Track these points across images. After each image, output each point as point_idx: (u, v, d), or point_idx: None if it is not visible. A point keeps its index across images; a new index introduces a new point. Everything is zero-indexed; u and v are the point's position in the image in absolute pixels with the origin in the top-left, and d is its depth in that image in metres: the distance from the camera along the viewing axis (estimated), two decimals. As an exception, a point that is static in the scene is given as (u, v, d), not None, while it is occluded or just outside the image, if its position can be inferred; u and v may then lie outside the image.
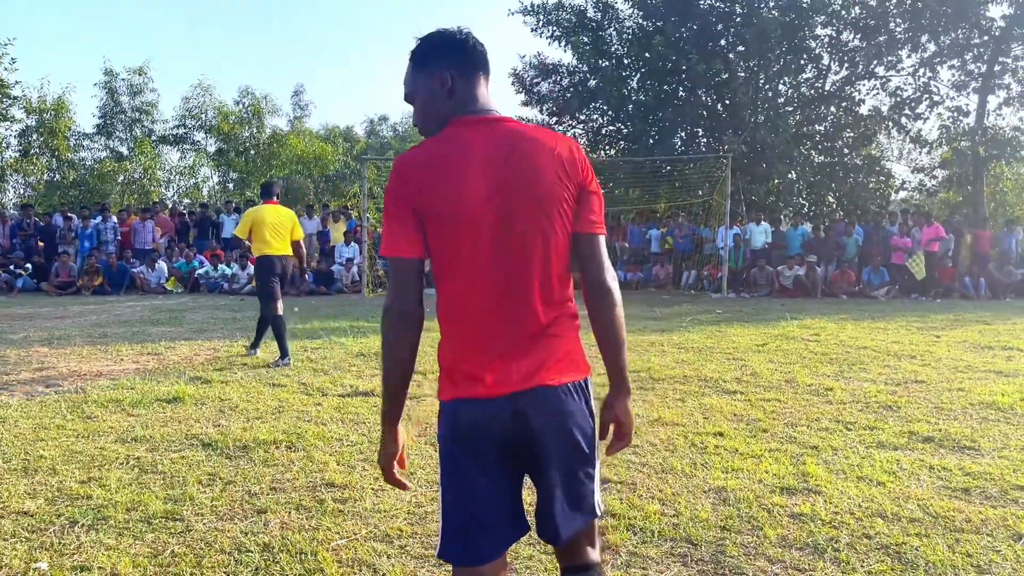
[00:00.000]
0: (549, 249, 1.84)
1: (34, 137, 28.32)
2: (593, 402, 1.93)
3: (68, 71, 67.01)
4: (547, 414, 1.82)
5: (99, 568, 3.06)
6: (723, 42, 23.93)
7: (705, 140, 24.25)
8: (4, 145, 26.99)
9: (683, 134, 24.53)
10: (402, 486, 2.04)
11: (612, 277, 1.91)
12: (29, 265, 18.50)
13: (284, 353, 7.75)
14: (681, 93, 24.36)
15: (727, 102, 23.63)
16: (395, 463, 2.00)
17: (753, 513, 3.65)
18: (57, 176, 29.35)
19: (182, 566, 3.10)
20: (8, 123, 25.96)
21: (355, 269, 18.64)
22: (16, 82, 25.34)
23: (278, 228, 7.95)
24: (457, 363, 1.87)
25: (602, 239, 1.93)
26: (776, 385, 6.67)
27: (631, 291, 18.78)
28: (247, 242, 8.17)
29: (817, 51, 23.74)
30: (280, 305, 7.93)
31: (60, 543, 3.30)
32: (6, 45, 24.47)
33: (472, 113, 1.89)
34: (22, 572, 3.04)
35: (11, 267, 18.22)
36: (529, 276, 1.83)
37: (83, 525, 3.49)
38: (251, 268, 17.85)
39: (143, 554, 3.20)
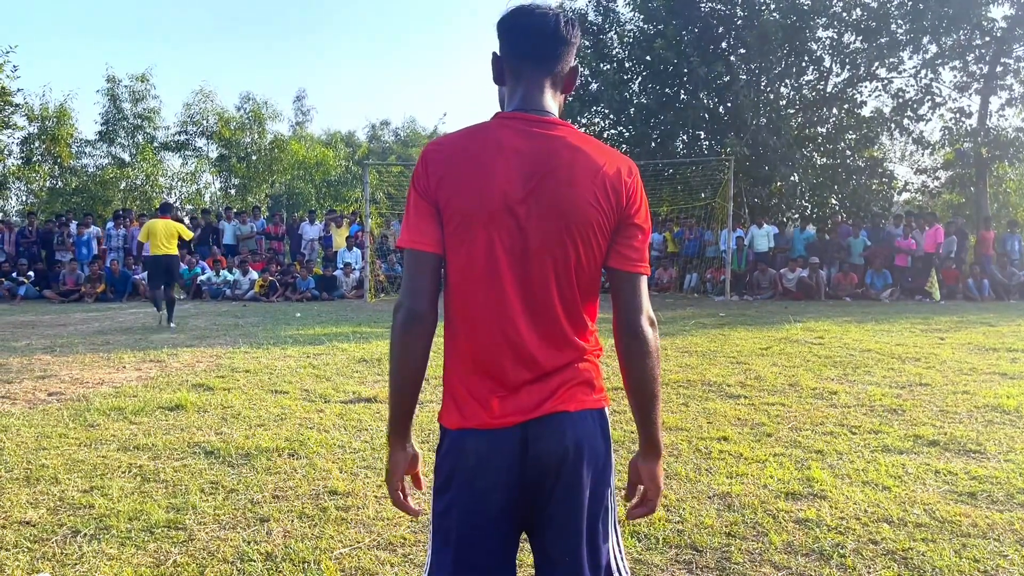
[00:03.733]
0: (570, 274, 1.65)
1: (36, 144, 28.36)
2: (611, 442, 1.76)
3: (70, 78, 67.17)
4: (558, 441, 1.63)
5: (101, 578, 3.05)
6: (724, 45, 23.92)
7: (707, 143, 24.23)
8: (6, 153, 27.04)
9: (685, 137, 24.52)
10: (411, 512, 1.84)
11: (648, 322, 1.69)
12: (32, 273, 18.52)
13: (158, 308, 11.93)
14: (683, 96, 24.35)
15: (729, 105, 23.59)
16: (403, 483, 1.81)
17: (758, 519, 3.63)
18: (60, 183, 29.39)
19: (184, 576, 3.09)
20: (10, 131, 26.01)
21: (357, 274, 18.63)
22: (18, 89, 25.39)
23: (168, 235, 11.51)
24: (461, 384, 1.70)
25: (642, 279, 1.70)
26: (780, 389, 6.65)
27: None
28: (145, 243, 11.68)
29: (818, 53, 23.72)
30: (161, 291, 11.73)
31: (62, 553, 3.29)
32: (8, 53, 24.52)
33: (521, 110, 1.69)
34: (24, 583, 3.03)
35: (14, 275, 18.24)
36: (548, 301, 1.65)
37: (85, 535, 3.48)
38: (253, 274, 18.00)
39: (145, 564, 3.19)
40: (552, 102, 1.73)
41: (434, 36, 74.91)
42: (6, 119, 25.07)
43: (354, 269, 18.79)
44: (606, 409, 1.76)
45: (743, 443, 4.91)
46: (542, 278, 1.64)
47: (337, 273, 18.75)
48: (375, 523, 3.63)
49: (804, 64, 23.84)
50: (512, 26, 1.71)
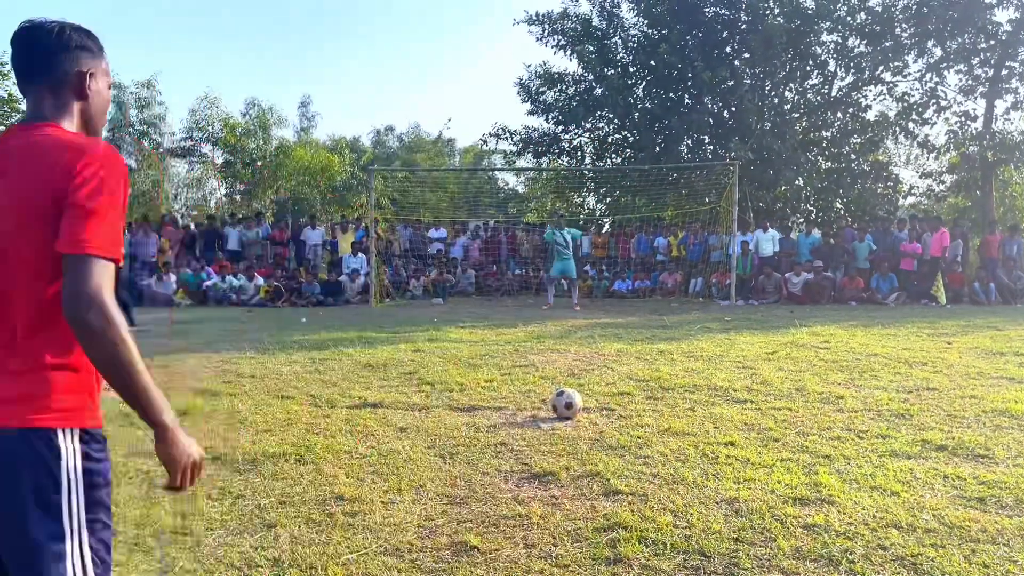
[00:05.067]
0: (24, 269, 1.67)
1: (42, 151, 28.52)
2: (70, 464, 1.66)
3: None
4: None
5: (109, 585, 3.05)
6: (728, 49, 23.95)
7: (712, 147, 24.25)
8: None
9: (689, 142, 24.54)
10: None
11: (90, 309, 1.59)
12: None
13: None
14: (687, 101, 24.38)
15: (733, 109, 23.62)
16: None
17: (766, 524, 3.62)
18: (66, 190, 29.52)
19: (192, 582, 3.09)
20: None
21: (363, 279, 18.66)
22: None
23: None
24: None
25: (85, 261, 1.61)
26: (787, 394, 6.63)
27: (638, 299, 18.76)
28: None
29: (823, 57, 23.74)
30: None
31: (70, 559, 3.29)
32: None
33: (23, 121, 1.81)
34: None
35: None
36: (8, 300, 1.68)
37: (93, 541, 3.48)
38: (259, 280, 18.04)
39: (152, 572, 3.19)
40: (58, 114, 1.82)
41: (437, 42, 75.16)
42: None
43: (359, 274, 18.82)
44: (66, 431, 1.67)
45: (750, 448, 4.90)
46: (6, 279, 1.68)
47: (343, 278, 18.78)
48: (382, 529, 3.63)
49: (808, 68, 23.86)
50: (11, 54, 1.85)
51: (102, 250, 1.63)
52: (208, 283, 18.32)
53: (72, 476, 1.67)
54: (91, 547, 1.69)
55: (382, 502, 3.98)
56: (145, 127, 31.11)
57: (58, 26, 1.84)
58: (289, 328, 12.26)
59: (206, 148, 32.54)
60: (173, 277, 18.31)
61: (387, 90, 71.59)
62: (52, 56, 1.82)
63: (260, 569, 3.20)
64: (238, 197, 33.31)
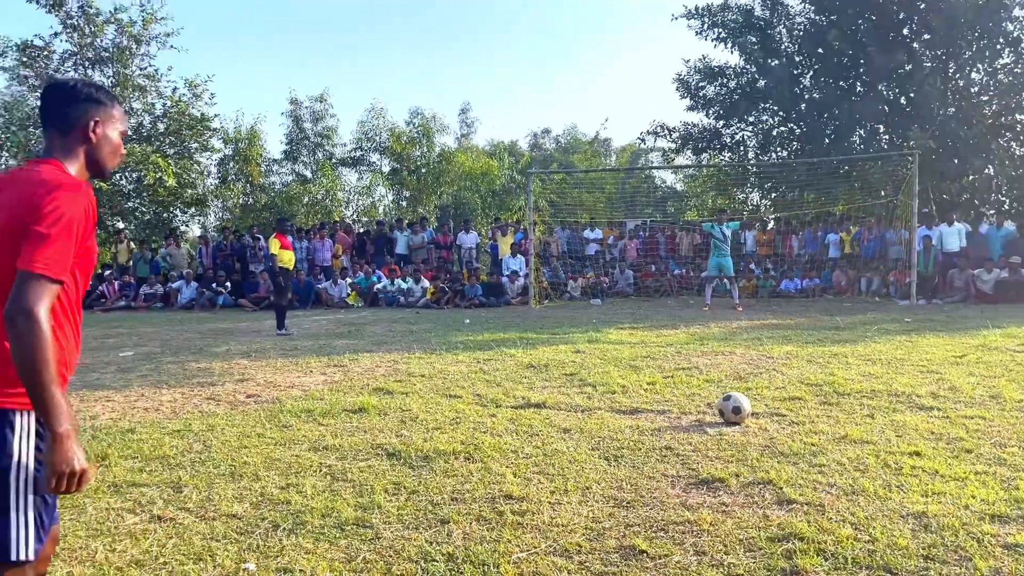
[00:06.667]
0: (5, 279, 2.05)
1: (231, 165, 30.95)
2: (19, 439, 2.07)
3: (259, 102, 72.88)
4: None
5: (300, 571, 3.27)
6: (905, 31, 22.41)
7: (887, 137, 22.78)
8: (206, 173, 29.62)
9: (862, 132, 23.17)
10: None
11: (20, 315, 1.95)
12: (228, 283, 20.22)
13: (281, 325, 12.55)
14: (859, 88, 23.04)
15: (911, 95, 22.08)
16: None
17: (960, 542, 3.36)
18: (251, 200, 31.87)
19: (373, 572, 3.25)
20: (209, 153, 28.48)
21: (522, 281, 18.95)
22: (215, 115, 27.79)
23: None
24: None
25: (30, 277, 1.98)
26: (979, 401, 6.13)
27: (807, 299, 17.92)
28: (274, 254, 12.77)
29: (1016, 34, 21.67)
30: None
31: (265, 545, 3.56)
32: (206, 82, 26.90)
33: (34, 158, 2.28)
34: (232, 572, 3.30)
35: (213, 285, 19.99)
36: None
37: (284, 529, 3.75)
38: (425, 282, 18.73)
39: (338, 559, 3.39)
40: (63, 154, 2.25)
41: (593, 44, 74.98)
42: (205, 143, 27.46)
43: (519, 276, 19.13)
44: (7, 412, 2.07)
45: (938, 459, 4.56)
46: None
47: (503, 280, 19.17)
48: (551, 529, 3.67)
49: (999, 47, 21.85)
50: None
51: (48, 271, 2.00)
52: (378, 285, 19.24)
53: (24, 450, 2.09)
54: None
55: (549, 502, 4.03)
56: (319, 138, 33.02)
57: (72, 82, 2.29)
58: (453, 329, 12.65)
59: (374, 157, 34.13)
60: (347, 280, 19.37)
61: (543, 93, 72.28)
62: (62, 107, 2.27)
63: (436, 563, 3.32)
64: (403, 203, 34.71)
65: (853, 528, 3.56)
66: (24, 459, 2.08)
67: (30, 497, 2.08)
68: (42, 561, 2.28)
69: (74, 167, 2.26)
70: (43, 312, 1.98)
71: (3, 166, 25.65)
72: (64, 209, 2.05)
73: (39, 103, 2.34)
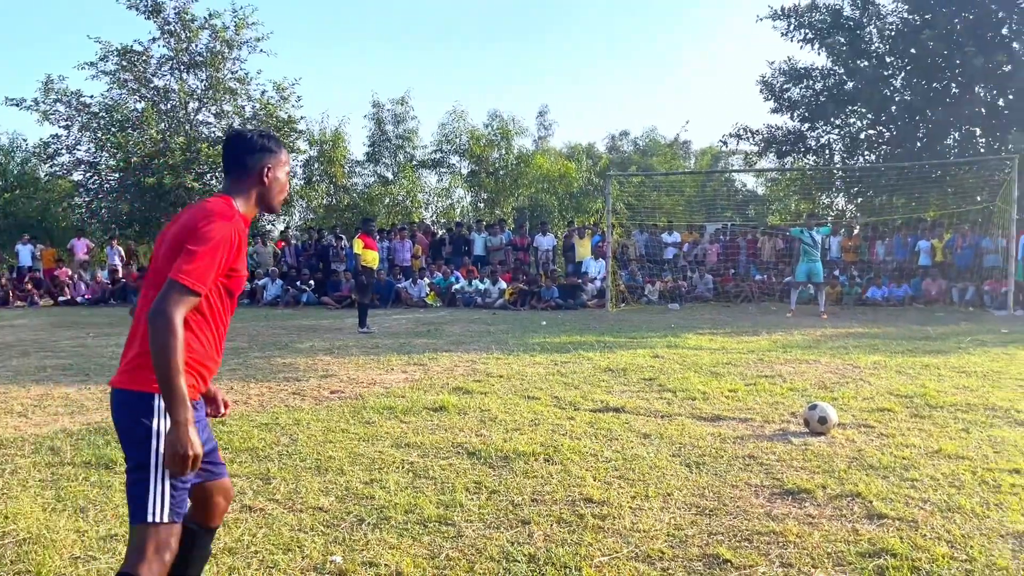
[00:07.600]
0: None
1: (316, 166, 31.72)
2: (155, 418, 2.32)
3: (344, 104, 74.52)
4: (113, 410, 2.42)
5: (384, 565, 3.35)
6: (1006, 31, 21.42)
7: (984, 140, 21.82)
8: (292, 174, 30.41)
9: (957, 135, 22.26)
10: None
11: (159, 316, 2.23)
12: (312, 282, 20.75)
13: (363, 323, 12.83)
14: (954, 90, 22.14)
15: (1011, 96, 21.08)
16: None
17: (1065, 567, 3.20)
18: (334, 201, 32.60)
19: (456, 570, 3.30)
20: (295, 154, 29.24)
21: (598, 284, 18.87)
22: (301, 117, 28.50)
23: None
24: None
25: (173, 284, 2.27)
26: (1085, 419, 5.82)
27: (895, 308, 17.32)
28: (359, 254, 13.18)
29: None
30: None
31: (351, 539, 3.65)
32: (293, 85, 27.67)
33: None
34: (320, 563, 3.40)
35: (298, 283, 20.56)
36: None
37: (369, 523, 3.83)
38: (502, 283, 18.84)
39: (421, 555, 3.45)
40: (236, 192, 2.58)
41: (673, 45, 73.98)
42: (291, 144, 28.24)
43: (596, 279, 19.06)
44: (145, 394, 2.35)
45: (1041, 478, 4.36)
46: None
47: (580, 283, 19.13)
48: (632, 534, 3.65)
49: (1110, 43, 20.69)
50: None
51: (188, 281, 2.28)
52: (456, 286, 19.45)
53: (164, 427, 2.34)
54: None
55: (630, 507, 4.01)
56: (400, 141, 33.55)
57: (250, 134, 2.62)
58: (530, 330, 12.69)
59: (454, 159, 34.47)
60: (425, 280, 19.64)
61: (620, 94, 71.73)
62: (242, 156, 2.60)
63: (518, 564, 3.35)
64: (481, 205, 34.95)
65: (949, 546, 3.43)
66: (163, 434, 2.33)
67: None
68: (217, 515, 2.74)
69: (243, 203, 2.58)
70: (178, 316, 2.25)
71: (103, 166, 26.96)
72: (214, 233, 2.36)
73: (222, 150, 2.68)
